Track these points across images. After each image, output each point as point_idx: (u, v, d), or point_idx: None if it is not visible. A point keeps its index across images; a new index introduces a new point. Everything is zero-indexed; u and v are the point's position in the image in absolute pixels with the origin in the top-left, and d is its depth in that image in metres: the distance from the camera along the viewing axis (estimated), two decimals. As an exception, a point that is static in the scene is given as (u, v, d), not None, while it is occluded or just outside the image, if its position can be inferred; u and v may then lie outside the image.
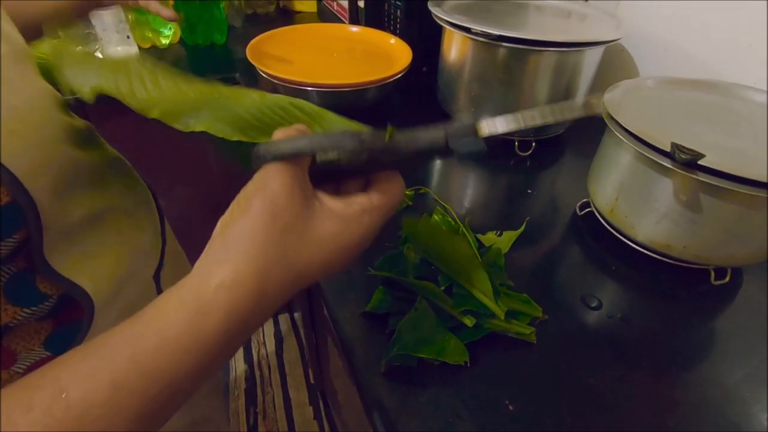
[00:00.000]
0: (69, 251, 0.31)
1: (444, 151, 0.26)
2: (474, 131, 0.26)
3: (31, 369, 0.31)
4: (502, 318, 0.39)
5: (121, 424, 0.20)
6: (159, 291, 0.44)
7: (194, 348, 0.21)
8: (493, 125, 0.26)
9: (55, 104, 0.33)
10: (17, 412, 0.19)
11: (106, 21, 0.86)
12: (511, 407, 0.36)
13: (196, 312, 0.21)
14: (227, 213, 0.23)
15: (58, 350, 0.32)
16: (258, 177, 0.23)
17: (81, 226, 0.33)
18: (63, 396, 0.19)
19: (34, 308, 0.30)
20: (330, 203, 0.25)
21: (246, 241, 0.22)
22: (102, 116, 0.91)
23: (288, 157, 0.23)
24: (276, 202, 0.22)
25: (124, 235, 0.38)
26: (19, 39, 0.32)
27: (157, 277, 0.44)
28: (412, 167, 0.24)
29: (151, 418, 0.21)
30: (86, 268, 0.33)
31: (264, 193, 0.23)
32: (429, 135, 0.26)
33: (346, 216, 0.24)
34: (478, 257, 0.45)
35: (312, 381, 1.33)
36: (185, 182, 1.05)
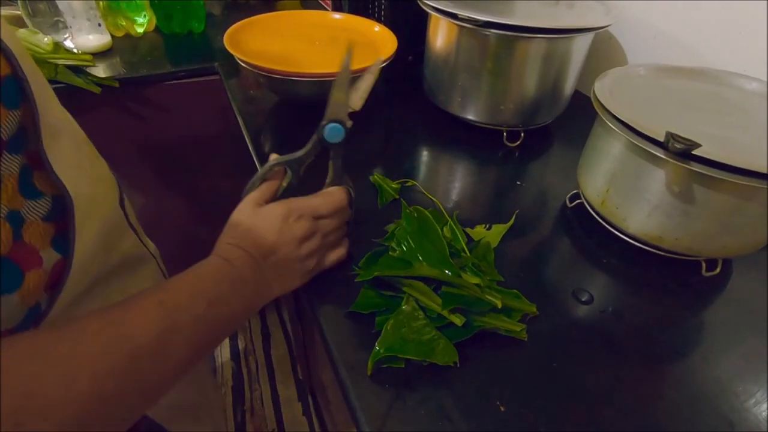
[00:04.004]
0: (57, 154, 0.34)
1: (323, 142, 0.42)
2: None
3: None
4: (500, 306, 0.38)
5: (176, 345, 0.30)
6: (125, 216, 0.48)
7: (223, 279, 0.35)
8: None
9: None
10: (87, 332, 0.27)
11: (75, 8, 0.82)
12: (502, 408, 0.34)
13: (222, 261, 0.36)
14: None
15: (63, 250, 0.36)
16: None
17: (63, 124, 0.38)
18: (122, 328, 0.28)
19: (35, 201, 0.33)
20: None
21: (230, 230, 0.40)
22: (76, 109, 0.88)
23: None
24: (240, 209, 0.41)
25: (92, 161, 0.42)
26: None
27: (122, 204, 0.48)
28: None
29: (199, 344, 0.32)
30: (69, 175, 0.36)
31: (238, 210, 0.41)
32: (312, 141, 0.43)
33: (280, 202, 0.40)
34: (467, 251, 0.43)
35: (300, 377, 1.31)
36: (158, 171, 1.01)
